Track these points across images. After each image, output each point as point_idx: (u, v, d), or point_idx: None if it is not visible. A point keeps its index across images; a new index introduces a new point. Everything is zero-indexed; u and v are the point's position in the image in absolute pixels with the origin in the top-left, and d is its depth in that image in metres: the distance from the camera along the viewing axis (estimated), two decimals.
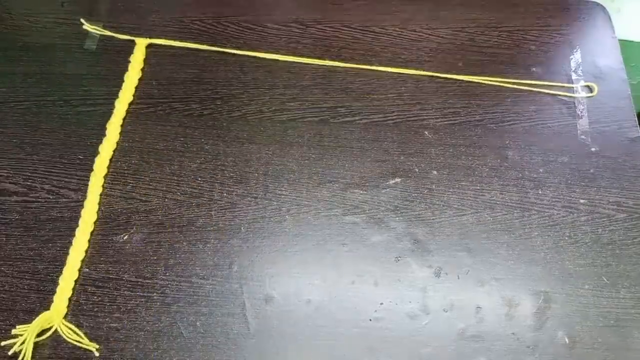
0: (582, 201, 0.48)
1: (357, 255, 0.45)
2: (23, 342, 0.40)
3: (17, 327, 0.41)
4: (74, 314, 0.42)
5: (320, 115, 0.52)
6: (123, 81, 0.53)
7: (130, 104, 0.52)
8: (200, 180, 0.48)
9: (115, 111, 0.51)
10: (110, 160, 0.49)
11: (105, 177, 0.48)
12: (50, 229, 0.45)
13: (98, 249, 0.45)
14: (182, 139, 0.50)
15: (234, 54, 0.55)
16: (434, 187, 0.49)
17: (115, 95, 0.52)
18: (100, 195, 0.47)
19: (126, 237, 0.45)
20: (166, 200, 0.47)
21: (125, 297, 0.43)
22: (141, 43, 0.55)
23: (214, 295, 0.43)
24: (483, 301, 0.44)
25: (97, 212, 0.46)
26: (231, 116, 0.52)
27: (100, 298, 0.43)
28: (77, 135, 0.50)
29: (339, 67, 0.55)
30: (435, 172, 0.49)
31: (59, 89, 0.52)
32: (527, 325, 0.43)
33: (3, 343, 0.40)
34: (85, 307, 0.42)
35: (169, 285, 0.43)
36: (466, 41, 0.57)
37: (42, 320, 0.41)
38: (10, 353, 0.39)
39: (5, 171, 0.48)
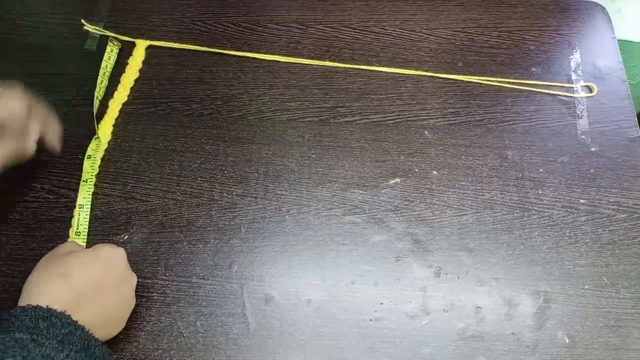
0: (582, 201, 0.48)
1: (357, 255, 0.45)
2: None
3: None
4: None
5: (320, 115, 0.52)
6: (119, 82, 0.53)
7: (130, 104, 0.52)
8: (200, 180, 0.48)
9: (108, 111, 0.51)
10: (110, 160, 0.49)
11: (105, 177, 0.48)
12: (50, 229, 0.45)
13: None
14: (182, 139, 0.50)
15: (234, 55, 0.55)
16: (434, 187, 0.49)
17: (112, 95, 0.52)
18: (93, 194, 0.47)
19: (126, 237, 0.45)
20: (166, 200, 0.47)
21: None
22: (141, 44, 0.55)
23: (214, 295, 0.43)
24: (483, 301, 0.44)
25: (91, 212, 0.46)
26: (231, 116, 0.52)
27: None
28: (77, 135, 0.50)
29: (339, 67, 0.55)
30: (435, 172, 0.49)
31: (59, 89, 0.52)
32: (527, 325, 0.43)
33: None
34: None
35: (169, 285, 0.43)
36: (466, 41, 0.57)
37: None
38: None
39: (6, 171, 0.48)
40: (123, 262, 0.40)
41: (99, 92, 0.51)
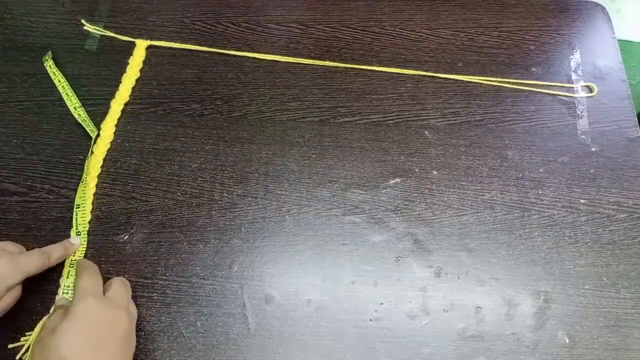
0: (582, 201, 0.48)
1: (357, 255, 0.45)
2: (26, 351, 0.40)
3: (26, 333, 0.41)
4: None
5: (320, 115, 0.52)
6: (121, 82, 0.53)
7: (130, 104, 0.52)
8: (200, 181, 0.48)
9: (110, 111, 0.51)
10: (110, 160, 0.49)
11: (105, 177, 0.48)
12: (51, 229, 0.45)
13: (98, 249, 0.45)
14: (182, 139, 0.50)
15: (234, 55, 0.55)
16: (434, 187, 0.49)
17: (114, 96, 0.52)
18: (97, 195, 0.47)
19: (126, 237, 0.45)
20: (166, 200, 0.47)
21: None
22: (141, 45, 0.55)
23: (214, 295, 0.43)
24: (483, 301, 0.44)
25: (92, 212, 0.46)
26: (231, 116, 0.52)
27: None
28: (77, 135, 0.50)
29: (339, 67, 0.55)
30: (435, 172, 0.49)
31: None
32: (527, 325, 0.43)
33: (10, 345, 0.40)
34: None
35: (169, 285, 0.43)
36: (466, 41, 0.57)
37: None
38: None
39: (5, 171, 0.48)
40: (104, 311, 0.37)
41: (72, 102, 0.51)
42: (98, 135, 0.49)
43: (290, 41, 0.57)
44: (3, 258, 0.38)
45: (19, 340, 0.40)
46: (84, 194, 0.46)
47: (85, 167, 0.48)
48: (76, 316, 0.36)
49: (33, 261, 0.40)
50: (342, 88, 0.54)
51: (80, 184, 0.47)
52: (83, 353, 0.34)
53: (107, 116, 0.51)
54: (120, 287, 0.40)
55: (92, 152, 0.48)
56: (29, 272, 0.39)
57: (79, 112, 0.50)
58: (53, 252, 0.42)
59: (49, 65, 0.53)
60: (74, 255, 0.44)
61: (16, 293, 0.40)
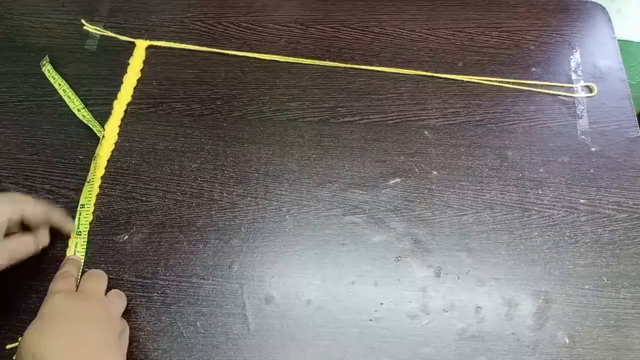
0: (582, 201, 0.48)
1: (357, 255, 0.45)
2: None
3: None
4: None
5: (320, 116, 0.52)
6: (122, 82, 0.53)
7: (130, 104, 0.52)
8: (200, 180, 0.48)
9: (113, 112, 0.51)
10: (110, 160, 0.49)
11: (105, 177, 0.48)
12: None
13: (98, 249, 0.45)
14: (182, 139, 0.50)
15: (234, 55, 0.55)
16: (434, 187, 0.49)
17: (115, 96, 0.52)
18: (97, 195, 0.47)
19: (126, 237, 0.45)
20: (166, 200, 0.47)
21: None
22: (141, 45, 0.55)
23: (214, 295, 0.43)
24: (483, 301, 0.44)
25: (93, 213, 0.46)
26: (231, 116, 0.52)
27: None
28: (77, 135, 0.50)
29: (339, 67, 0.55)
30: (435, 172, 0.49)
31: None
32: (527, 325, 0.43)
33: (8, 346, 0.40)
34: None
35: (169, 285, 0.43)
36: (466, 41, 0.57)
37: None
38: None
39: (5, 171, 0.48)
40: (72, 303, 0.37)
41: (75, 104, 0.51)
42: (103, 135, 0.49)
43: (290, 41, 0.57)
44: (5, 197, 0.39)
45: (18, 341, 0.40)
46: (89, 194, 0.46)
47: (92, 168, 0.47)
48: (43, 315, 0.36)
49: (20, 245, 0.40)
50: (342, 88, 0.54)
51: (86, 184, 0.47)
52: (52, 346, 0.34)
53: (111, 117, 0.51)
54: (91, 280, 0.41)
55: (98, 153, 0.48)
56: (23, 211, 0.39)
57: (83, 114, 0.50)
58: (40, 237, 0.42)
59: (47, 70, 0.53)
60: (73, 254, 0.44)
61: (33, 242, 0.41)
